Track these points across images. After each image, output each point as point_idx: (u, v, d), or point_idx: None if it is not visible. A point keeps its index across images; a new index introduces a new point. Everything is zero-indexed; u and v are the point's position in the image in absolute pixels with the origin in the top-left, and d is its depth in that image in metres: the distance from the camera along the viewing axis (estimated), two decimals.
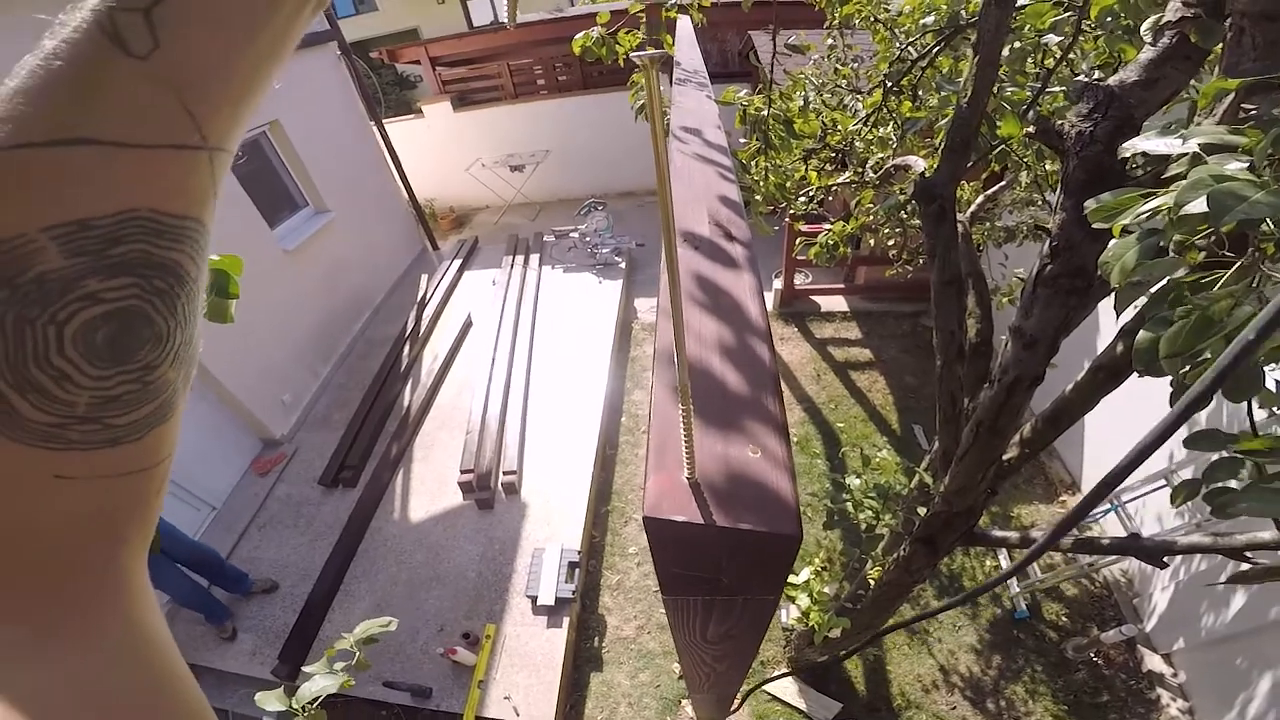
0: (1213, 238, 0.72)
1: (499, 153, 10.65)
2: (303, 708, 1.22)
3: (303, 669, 1.33)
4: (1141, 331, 0.74)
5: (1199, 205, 0.66)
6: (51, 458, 0.29)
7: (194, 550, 4.32)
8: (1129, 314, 0.82)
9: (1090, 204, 0.81)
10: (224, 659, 4.36)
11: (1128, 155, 0.81)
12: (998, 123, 1.79)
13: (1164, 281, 0.74)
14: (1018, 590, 4.41)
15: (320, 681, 1.25)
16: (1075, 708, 3.91)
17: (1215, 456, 0.94)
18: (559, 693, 3.95)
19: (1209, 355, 0.70)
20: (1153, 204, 0.75)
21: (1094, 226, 0.81)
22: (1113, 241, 0.79)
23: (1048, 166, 2.51)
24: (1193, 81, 1.01)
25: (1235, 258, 0.70)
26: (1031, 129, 1.10)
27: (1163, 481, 3.82)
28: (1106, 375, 1.43)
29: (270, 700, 1.25)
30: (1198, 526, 3.52)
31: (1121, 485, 4.02)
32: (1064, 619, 4.39)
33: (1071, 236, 1.09)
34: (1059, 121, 1.01)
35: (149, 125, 0.27)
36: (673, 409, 0.66)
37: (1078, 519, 0.57)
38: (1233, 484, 0.92)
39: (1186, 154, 0.74)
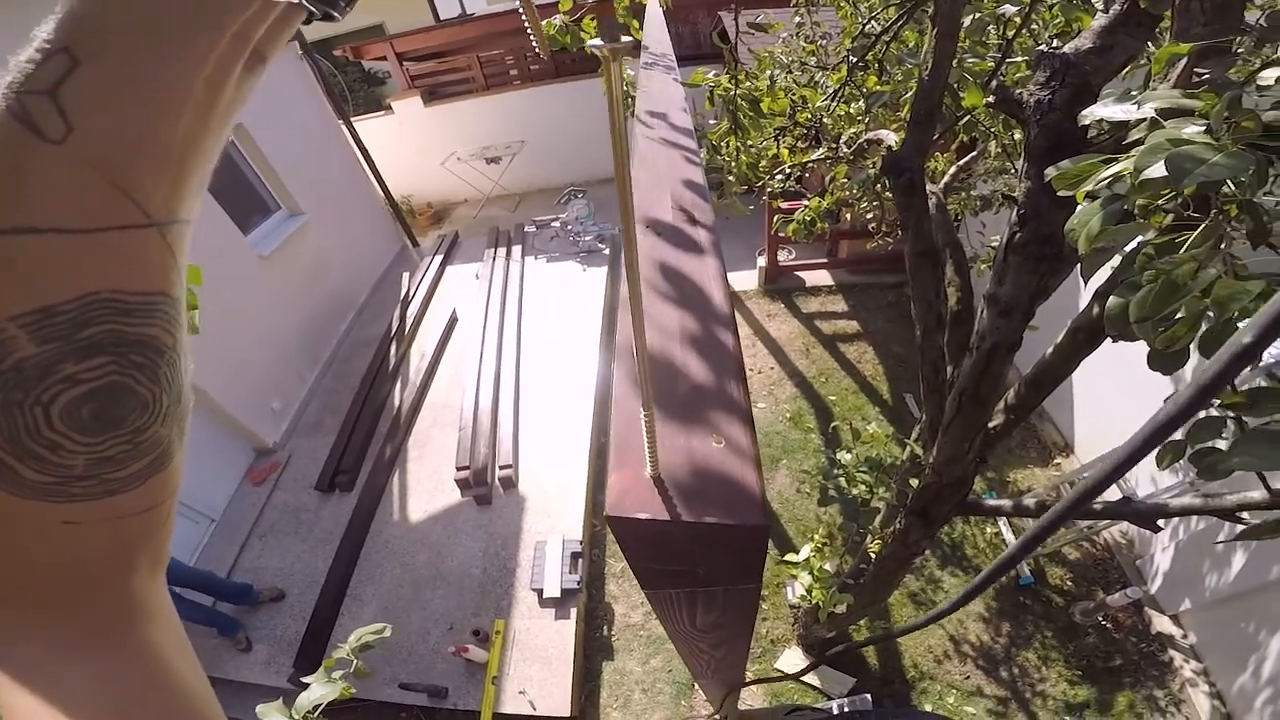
0: (1178, 200, 0.72)
1: (474, 145, 10.53)
2: (303, 717, 1.22)
3: (302, 679, 1.34)
4: (1112, 297, 0.74)
5: (1158, 169, 0.66)
6: (58, 509, 0.31)
7: (188, 574, 4.34)
8: (1103, 275, 0.82)
9: (1051, 171, 0.81)
10: (240, 670, 4.38)
11: (1087, 122, 0.81)
12: (961, 94, 1.78)
13: (1132, 245, 0.75)
14: None
15: (318, 691, 1.26)
16: (1089, 672, 3.93)
17: (1199, 417, 0.94)
18: (573, 684, 3.98)
19: (1182, 315, 0.70)
20: (1113, 170, 0.75)
21: (1059, 194, 0.81)
22: (1078, 208, 0.79)
23: (1015, 136, 2.51)
24: (1151, 46, 1.01)
25: (1202, 219, 0.70)
26: (992, 99, 1.09)
27: None
28: (1085, 337, 1.43)
29: (272, 713, 1.25)
30: (1191, 485, 3.54)
31: (1114, 447, 4.06)
32: (1069, 583, 4.42)
33: (1038, 204, 1.09)
34: (1018, 90, 1.01)
35: (84, 210, 0.27)
36: (634, 404, 0.66)
37: (1072, 514, 0.57)
38: (1218, 444, 0.92)
39: (1144, 119, 0.74)
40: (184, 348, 0.34)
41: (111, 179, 0.27)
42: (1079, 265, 1.42)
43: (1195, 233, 0.70)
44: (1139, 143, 0.73)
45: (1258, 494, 1.31)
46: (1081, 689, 3.88)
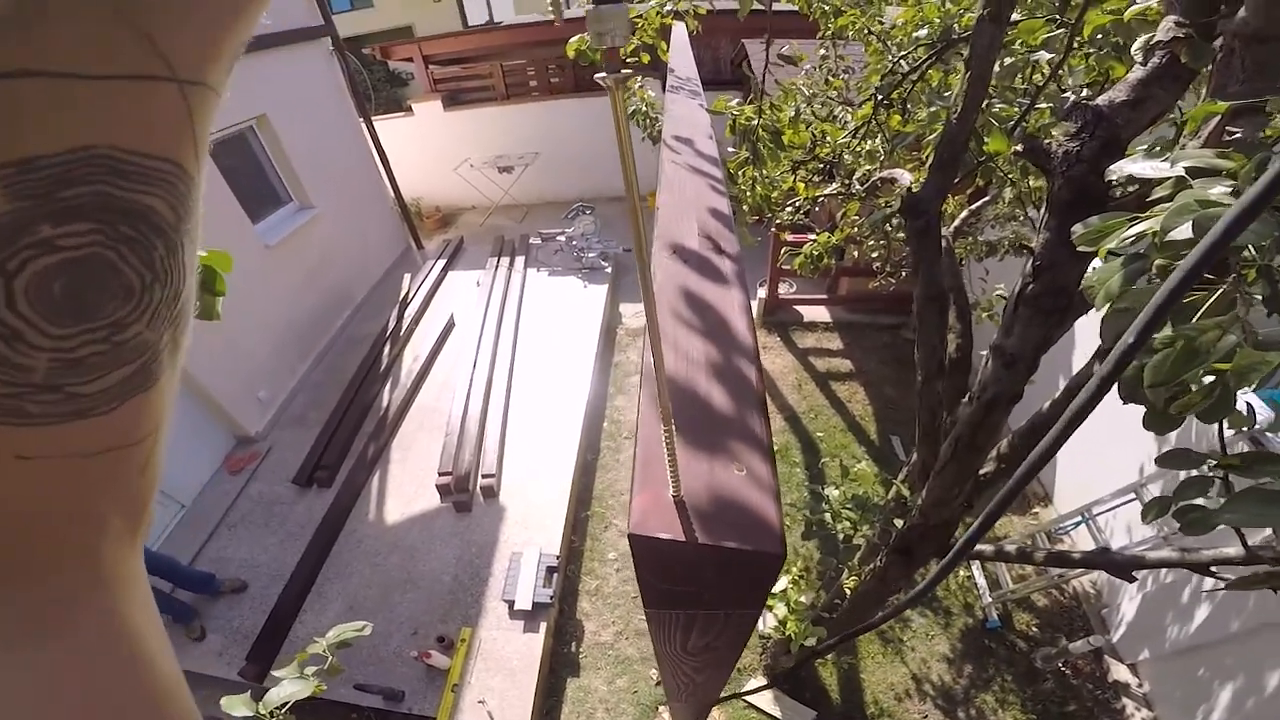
0: None
1: (488, 153, 10.60)
2: (270, 713, 1.19)
3: (272, 673, 1.30)
4: None
5: (1185, 231, 0.66)
6: (10, 435, 0.25)
7: (149, 558, 4.23)
8: (1103, 327, 0.82)
9: (1078, 228, 0.81)
10: (190, 659, 4.26)
11: (1114, 178, 0.82)
12: (985, 139, 1.79)
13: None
14: (990, 600, 4.46)
15: (289, 687, 1.22)
16: (1043, 717, 3.96)
17: (1185, 475, 0.95)
18: (535, 698, 3.92)
19: (1193, 387, 0.70)
20: (1138, 228, 0.75)
21: (1080, 250, 0.81)
22: (1095, 263, 0.79)
23: (1031, 183, 2.53)
24: (1178, 102, 1.02)
25: (1215, 280, 0.71)
26: (1019, 147, 1.10)
27: (1133, 495, 3.88)
28: None
29: (237, 705, 1.21)
30: (1165, 540, 3.58)
31: (1093, 499, 4.12)
32: (1034, 629, 4.45)
33: (1055, 256, 1.10)
34: (1047, 140, 1.02)
35: (97, 52, 0.22)
36: (658, 427, 0.66)
37: (1011, 498, 0.58)
38: (1201, 501, 0.93)
39: (1172, 177, 0.75)
40: (193, 237, 0.28)
41: (132, 20, 0.23)
42: (1093, 323, 1.44)
43: (1213, 298, 0.70)
44: (1163, 200, 0.74)
45: (1233, 550, 1.32)
46: None
